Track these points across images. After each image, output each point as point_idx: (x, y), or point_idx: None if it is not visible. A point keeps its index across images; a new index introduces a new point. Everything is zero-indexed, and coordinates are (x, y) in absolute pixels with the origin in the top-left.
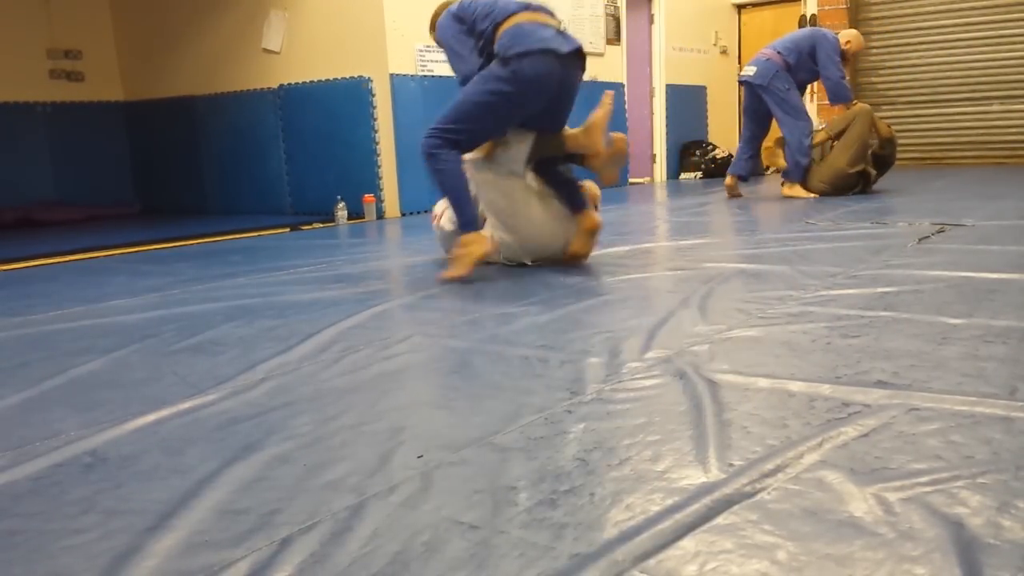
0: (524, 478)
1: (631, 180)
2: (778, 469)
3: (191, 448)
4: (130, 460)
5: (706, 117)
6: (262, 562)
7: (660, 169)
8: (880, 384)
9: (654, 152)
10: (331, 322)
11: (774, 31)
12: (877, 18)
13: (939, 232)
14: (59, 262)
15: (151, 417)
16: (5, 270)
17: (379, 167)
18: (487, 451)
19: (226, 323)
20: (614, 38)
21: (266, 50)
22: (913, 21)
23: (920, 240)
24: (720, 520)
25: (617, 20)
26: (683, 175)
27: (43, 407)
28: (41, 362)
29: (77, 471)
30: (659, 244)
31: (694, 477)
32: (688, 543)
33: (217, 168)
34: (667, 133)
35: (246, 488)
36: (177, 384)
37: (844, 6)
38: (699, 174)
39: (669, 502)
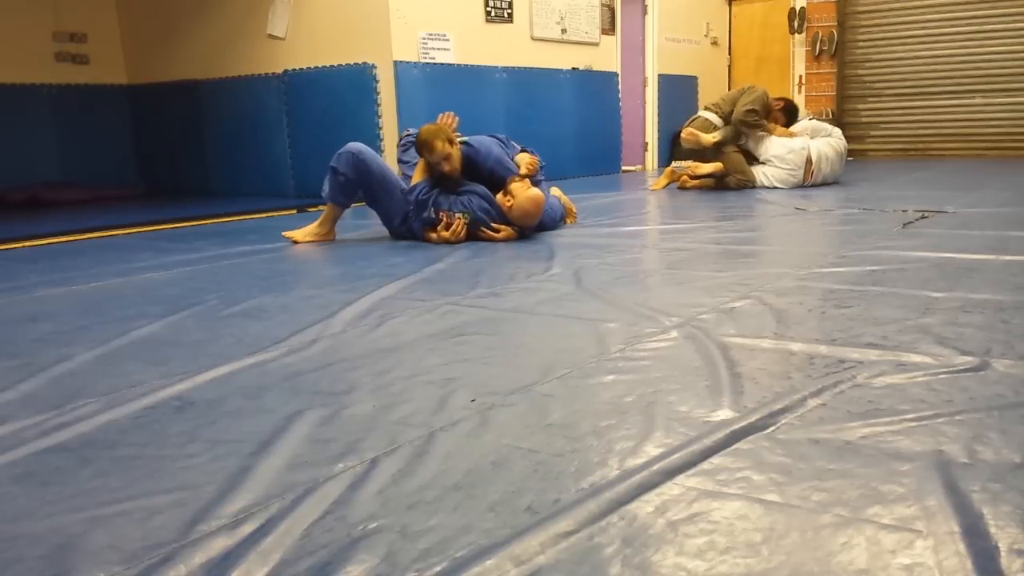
0: (568, 416)
1: (624, 168)
2: (786, 410)
3: (267, 394)
4: (216, 403)
5: (697, 106)
6: (359, 475)
7: (652, 157)
8: (871, 345)
9: (646, 140)
10: (364, 293)
11: (764, 23)
12: (864, 12)
13: (923, 218)
14: (81, 239)
15: (224, 369)
16: (32, 246)
17: (383, 152)
18: (532, 396)
19: (264, 294)
20: (608, 28)
21: (271, 36)
22: (899, 15)
23: (905, 225)
24: (740, 445)
25: (612, 11)
26: (675, 163)
27: (117, 362)
28: (99, 325)
29: (170, 412)
30: (658, 227)
31: (714, 415)
32: (716, 460)
33: (221, 151)
34: (659, 122)
35: (327, 423)
36: (236, 344)
37: (832, 0)
38: (690, 162)
39: (694, 433)
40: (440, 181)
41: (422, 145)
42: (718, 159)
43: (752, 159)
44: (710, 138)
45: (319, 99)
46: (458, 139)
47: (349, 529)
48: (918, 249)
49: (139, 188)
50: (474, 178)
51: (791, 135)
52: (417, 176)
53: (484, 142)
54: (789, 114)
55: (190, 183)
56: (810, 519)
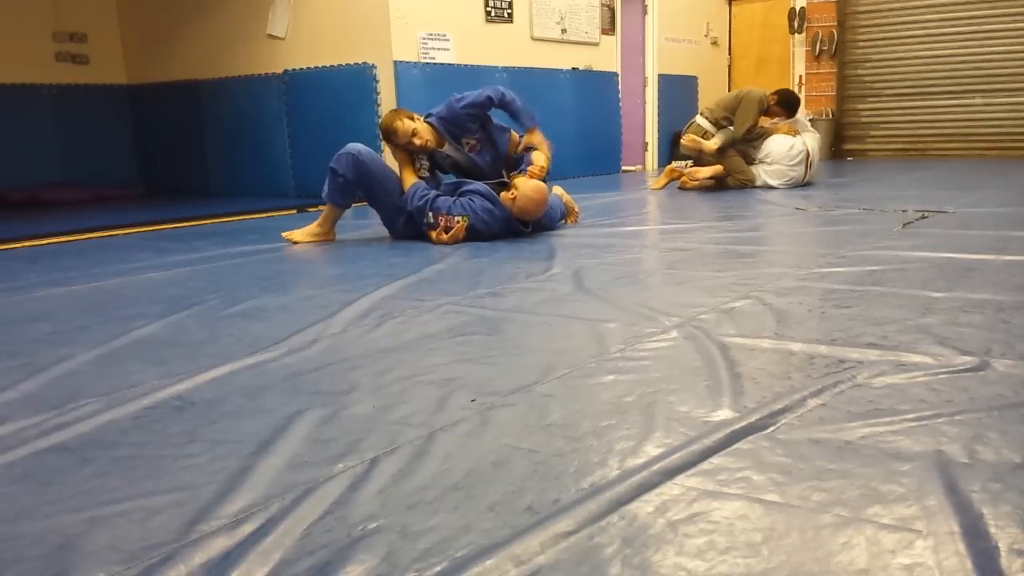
0: (568, 416)
1: (624, 168)
2: (786, 410)
3: (267, 393)
4: (216, 403)
5: (697, 106)
6: (359, 475)
7: (652, 157)
8: (871, 345)
9: (646, 140)
10: (364, 293)
11: (764, 23)
12: (865, 12)
13: (923, 218)
14: (81, 239)
15: (223, 370)
16: (32, 246)
17: (382, 152)
18: (532, 396)
19: (264, 294)
20: (609, 28)
21: (271, 36)
22: (899, 15)
23: (905, 225)
24: (740, 445)
25: (612, 11)
26: (674, 163)
27: (117, 362)
28: (99, 325)
29: (170, 411)
30: (658, 227)
31: (714, 415)
32: (716, 460)
33: (221, 151)
34: (659, 122)
35: (327, 423)
36: (236, 344)
37: (832, 0)
38: (690, 162)
39: (694, 433)
40: (432, 172)
41: (386, 133)
42: (719, 161)
43: (751, 158)
44: (712, 145)
45: (319, 99)
46: (422, 117)
47: (349, 529)
48: (918, 249)
49: (139, 188)
50: (465, 132)
51: (793, 133)
52: (406, 180)
53: (446, 103)
54: (788, 106)
55: (190, 183)
56: (810, 519)
